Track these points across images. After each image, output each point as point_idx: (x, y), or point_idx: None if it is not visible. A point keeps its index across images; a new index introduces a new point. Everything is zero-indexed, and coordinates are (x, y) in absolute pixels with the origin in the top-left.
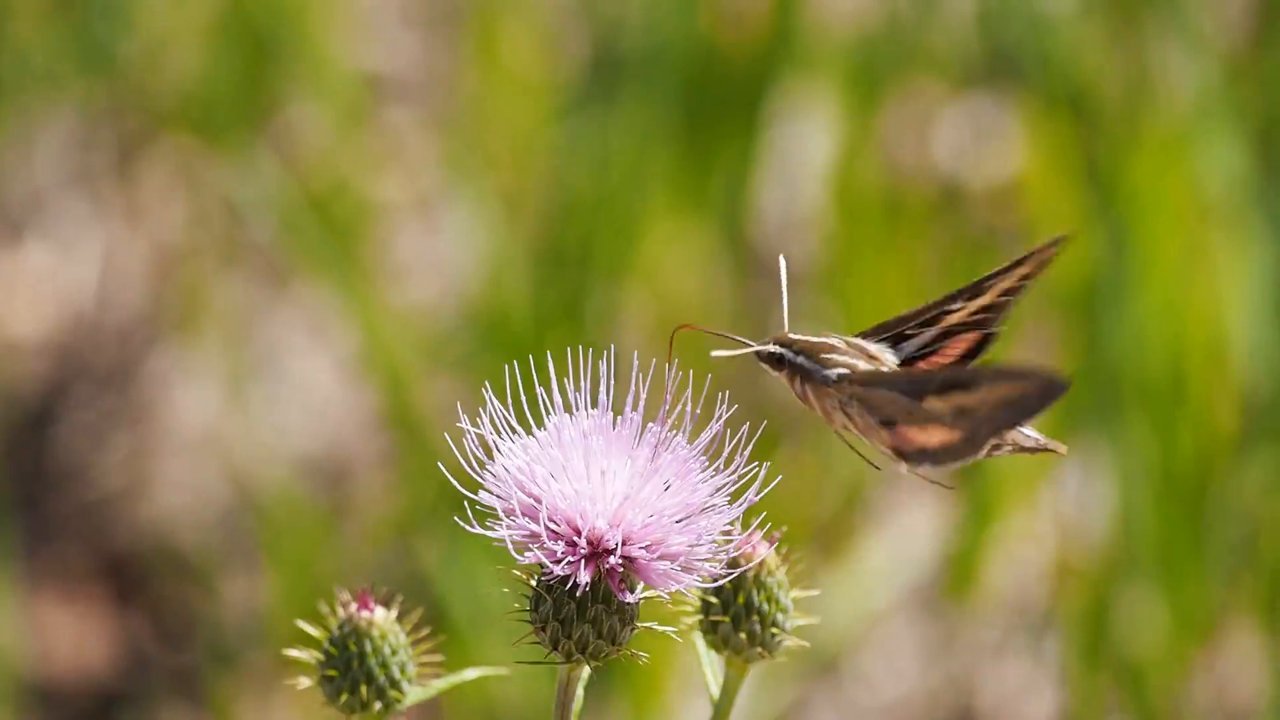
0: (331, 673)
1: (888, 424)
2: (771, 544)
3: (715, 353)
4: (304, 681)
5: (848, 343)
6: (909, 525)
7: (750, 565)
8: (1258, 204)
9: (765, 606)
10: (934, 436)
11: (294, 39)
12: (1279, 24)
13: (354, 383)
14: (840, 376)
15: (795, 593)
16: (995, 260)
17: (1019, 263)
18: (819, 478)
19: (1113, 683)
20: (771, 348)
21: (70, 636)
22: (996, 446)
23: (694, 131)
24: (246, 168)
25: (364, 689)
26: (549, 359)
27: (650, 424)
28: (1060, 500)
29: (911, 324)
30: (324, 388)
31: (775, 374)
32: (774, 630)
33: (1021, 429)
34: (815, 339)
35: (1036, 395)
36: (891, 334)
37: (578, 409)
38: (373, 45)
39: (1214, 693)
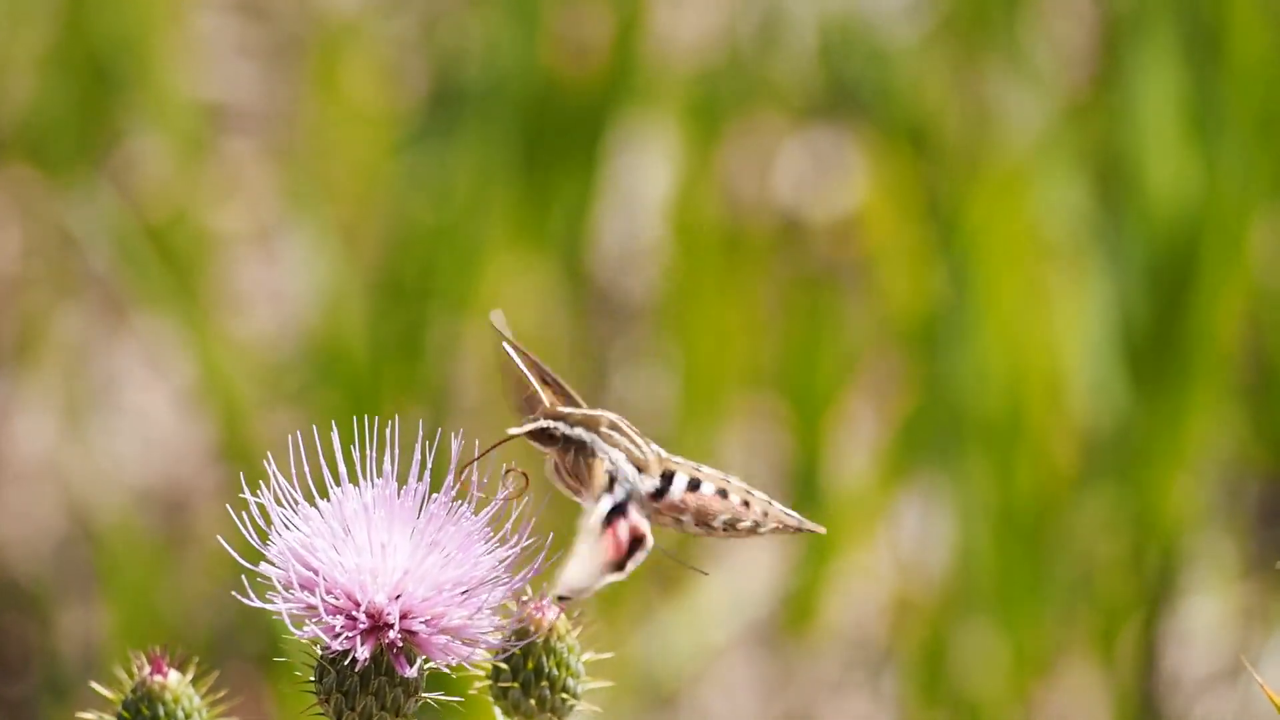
0: None
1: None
2: (562, 608)
3: (511, 430)
4: None
5: (615, 415)
6: (747, 560)
7: (539, 634)
8: (1096, 242)
9: (555, 671)
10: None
11: (133, 68)
12: (1118, 63)
13: (192, 414)
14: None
15: (589, 655)
16: (836, 294)
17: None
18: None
19: (951, 718)
20: (544, 423)
21: None
22: (760, 525)
23: (534, 164)
24: (84, 197)
25: None
26: (334, 434)
27: (436, 495)
28: (899, 537)
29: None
30: (162, 418)
31: (545, 449)
32: (564, 695)
33: (781, 509)
34: (589, 411)
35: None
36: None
37: (364, 479)
38: (212, 75)
39: None
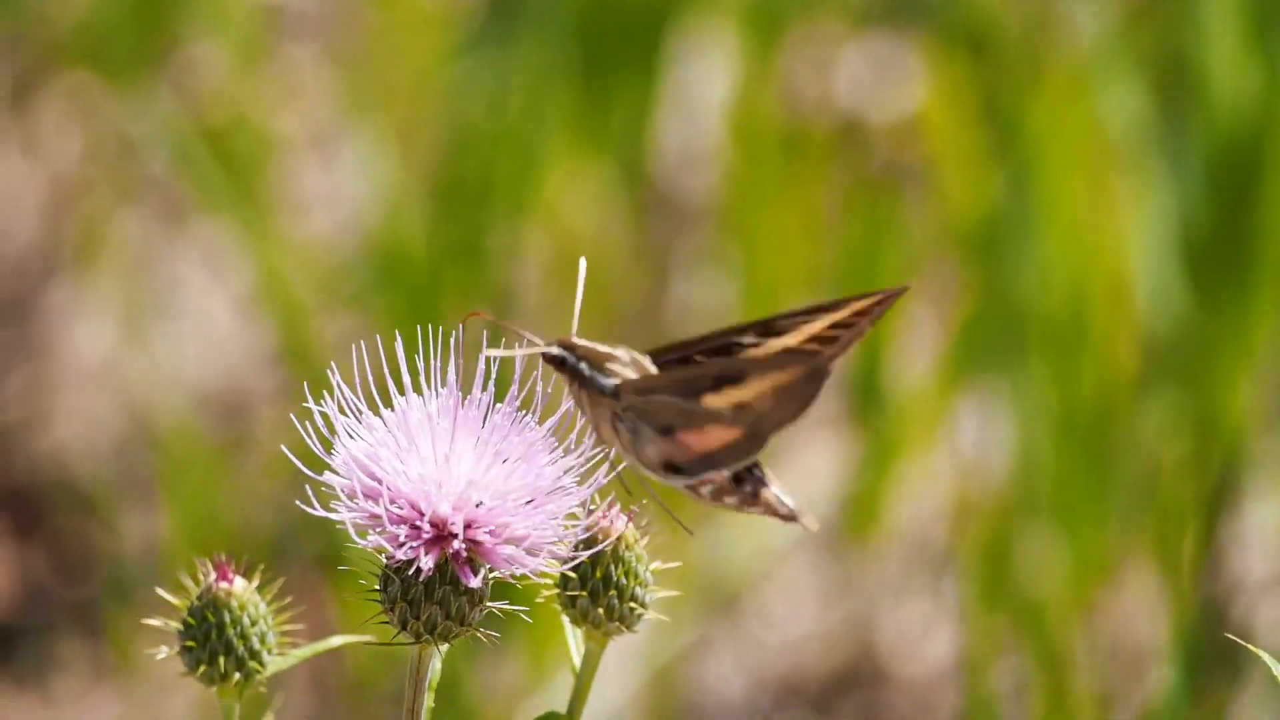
0: (190, 644)
1: (666, 432)
2: (630, 518)
3: (488, 352)
4: (164, 650)
5: (634, 358)
6: (810, 463)
7: (607, 542)
8: (1158, 144)
9: (623, 580)
10: (713, 438)
11: None
12: None
13: (251, 317)
14: (616, 387)
15: (656, 564)
16: (896, 198)
17: (823, 309)
18: None
19: (1012, 622)
20: (554, 350)
21: None
22: (749, 503)
23: (593, 68)
24: (144, 102)
25: (222, 660)
26: (398, 345)
27: (500, 404)
28: (961, 440)
29: (697, 350)
30: (221, 322)
31: (557, 374)
32: (632, 604)
33: (777, 493)
34: (601, 348)
35: (805, 381)
36: (682, 356)
37: (428, 389)
38: None
39: (1113, 633)
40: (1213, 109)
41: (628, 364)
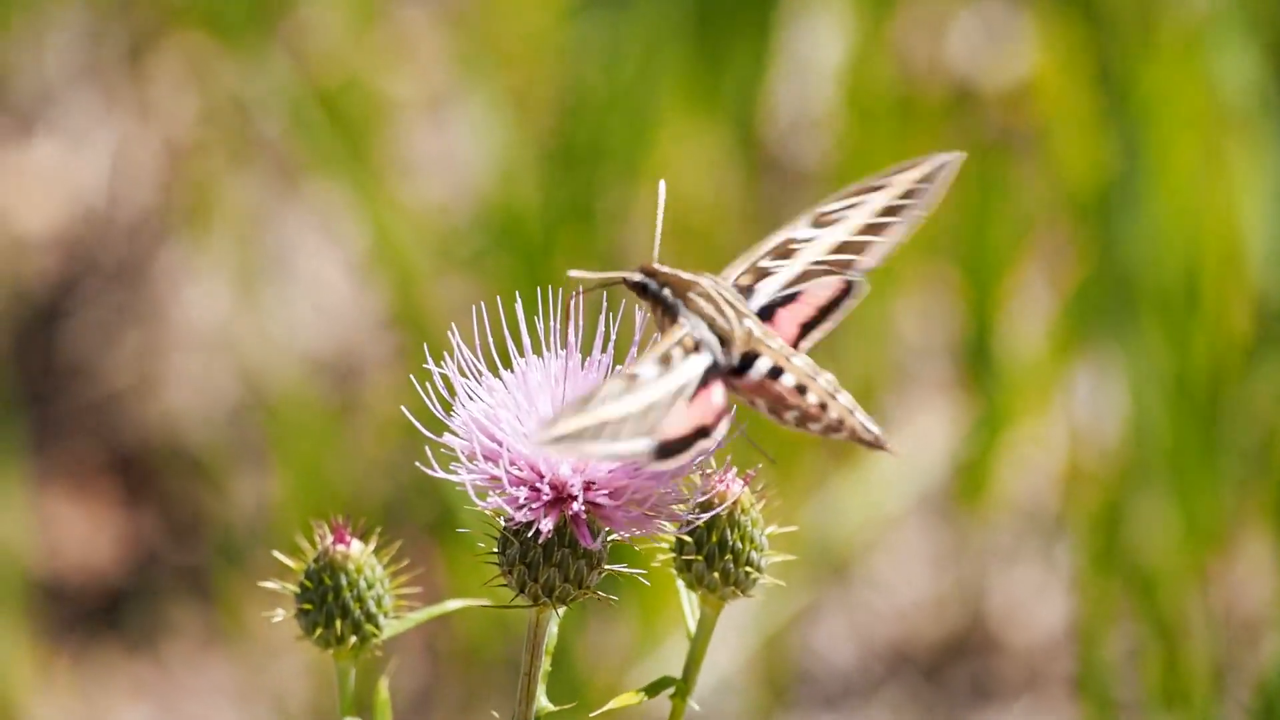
0: (307, 606)
1: None
2: (746, 481)
3: (571, 272)
4: (280, 614)
5: (717, 284)
6: (922, 430)
7: (723, 506)
8: (1271, 110)
9: (739, 545)
10: None
11: None
12: None
13: (364, 281)
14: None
15: (772, 529)
16: (1008, 163)
17: (873, 188)
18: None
19: (1124, 589)
20: (636, 275)
21: (79, 534)
22: (833, 429)
23: (706, 30)
24: (257, 64)
25: (339, 623)
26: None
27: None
28: (1073, 406)
29: (766, 257)
30: (334, 286)
31: (642, 302)
32: (748, 569)
33: (861, 420)
34: (685, 275)
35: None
36: (752, 268)
37: (548, 350)
38: None
39: (1226, 600)
40: None
41: (710, 291)
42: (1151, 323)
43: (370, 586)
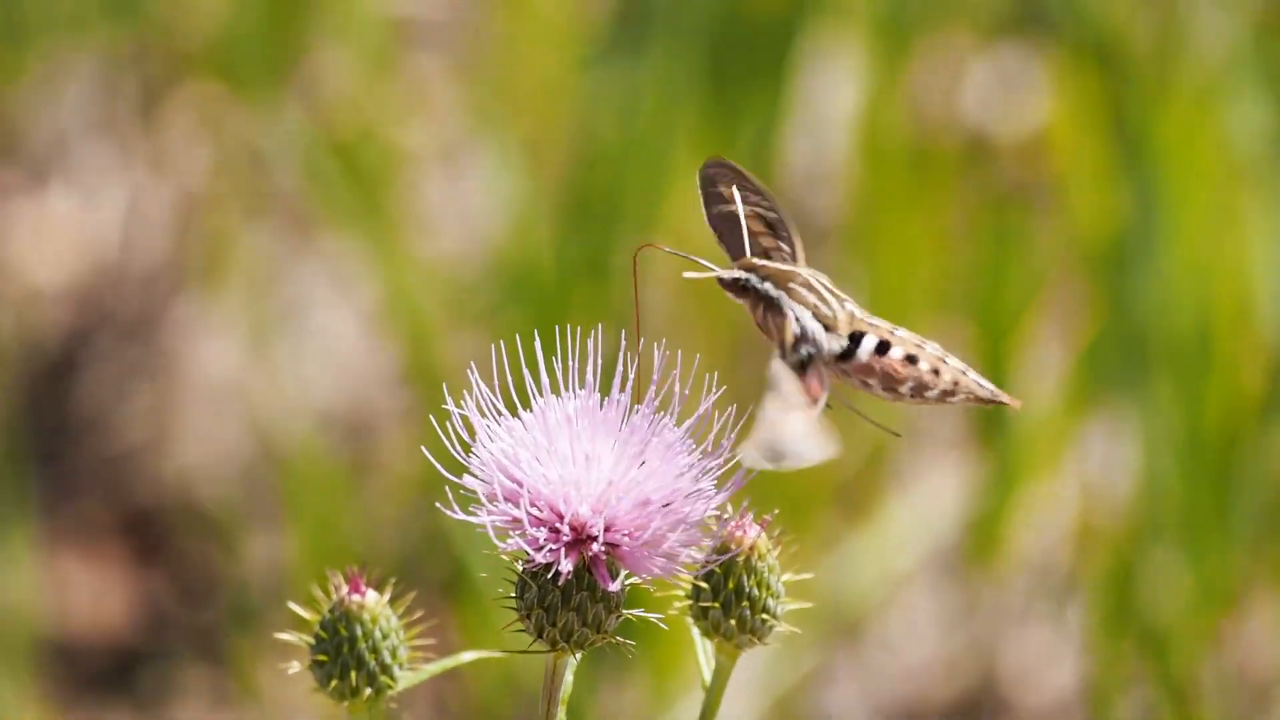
0: (321, 658)
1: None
2: (763, 527)
3: (686, 274)
4: (295, 665)
5: (814, 273)
6: (933, 487)
7: (740, 550)
8: None
9: (756, 592)
10: None
11: None
12: None
13: (377, 335)
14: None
15: (788, 576)
16: (1023, 214)
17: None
18: (842, 437)
19: (1136, 650)
20: (736, 273)
21: (90, 593)
22: (950, 394)
23: (721, 81)
24: (272, 115)
25: (354, 674)
26: (544, 337)
27: (639, 406)
28: (1085, 464)
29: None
30: (347, 340)
31: (738, 300)
32: (764, 616)
33: (975, 379)
34: (783, 267)
35: None
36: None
37: (565, 390)
38: None
39: (1238, 661)
40: None
41: (810, 280)
42: (1164, 379)
43: (385, 637)
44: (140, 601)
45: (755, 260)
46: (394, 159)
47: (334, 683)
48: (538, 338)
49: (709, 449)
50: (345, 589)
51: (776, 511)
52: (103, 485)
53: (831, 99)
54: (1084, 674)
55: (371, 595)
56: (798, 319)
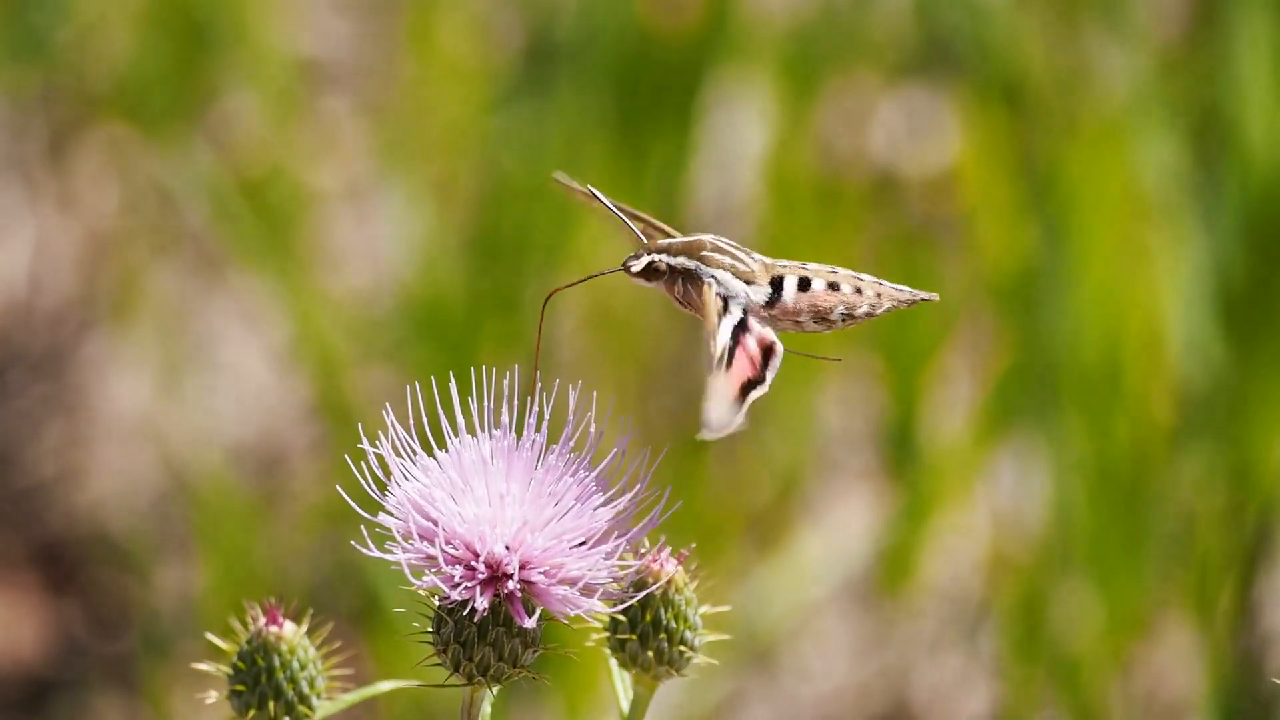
0: (240, 688)
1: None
2: (679, 561)
3: (591, 276)
4: (212, 695)
5: (714, 236)
6: (844, 517)
7: (657, 585)
8: (1193, 197)
9: (673, 624)
10: None
11: (229, 25)
12: (1214, 18)
13: (287, 371)
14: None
15: (705, 609)
16: (931, 251)
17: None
18: (753, 468)
19: (1048, 676)
20: (643, 259)
21: (2, 623)
22: (876, 307)
23: (629, 120)
24: (180, 155)
25: (272, 704)
26: (466, 375)
27: (554, 446)
28: (996, 493)
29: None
30: (257, 375)
31: (651, 284)
32: (682, 649)
33: (892, 288)
34: (686, 239)
35: None
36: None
37: (481, 430)
38: (307, 32)
39: (1149, 687)
40: (1248, 161)
41: (715, 243)
42: (1073, 410)
43: (303, 668)
44: (53, 631)
45: (662, 241)
46: (303, 198)
47: (252, 712)
48: (453, 378)
49: (624, 486)
50: (263, 620)
51: (694, 545)
52: (15, 517)
53: (740, 137)
54: (996, 701)
55: (289, 626)
56: (716, 279)
